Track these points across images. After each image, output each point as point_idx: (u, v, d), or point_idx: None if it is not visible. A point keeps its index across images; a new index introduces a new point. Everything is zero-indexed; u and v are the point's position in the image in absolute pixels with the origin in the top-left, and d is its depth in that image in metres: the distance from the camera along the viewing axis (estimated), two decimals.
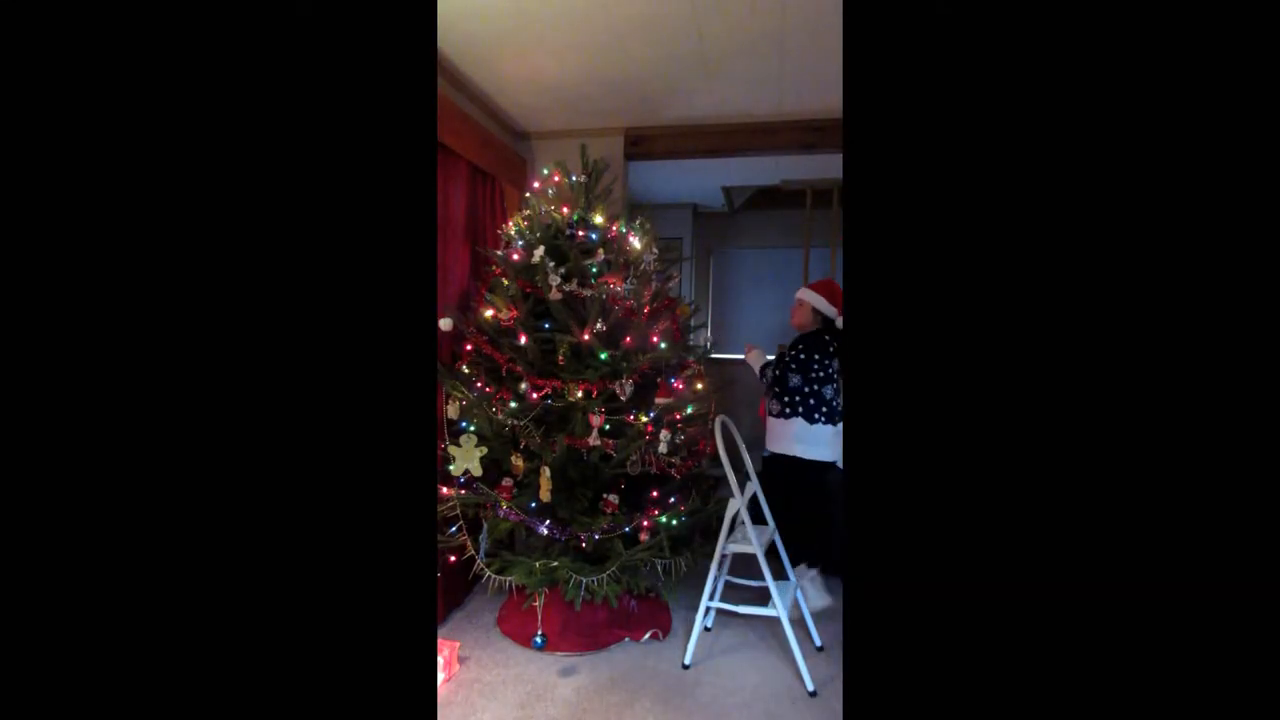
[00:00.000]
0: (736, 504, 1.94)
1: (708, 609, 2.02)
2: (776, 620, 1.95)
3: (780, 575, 2.10)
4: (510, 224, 2.25)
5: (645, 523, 1.97)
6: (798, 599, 2.13)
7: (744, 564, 2.28)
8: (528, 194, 2.34)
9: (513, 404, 2.01)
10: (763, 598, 2.02)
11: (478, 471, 1.94)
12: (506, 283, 2.11)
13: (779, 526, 2.15)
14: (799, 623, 2.14)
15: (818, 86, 2.47)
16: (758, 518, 2.08)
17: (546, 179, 2.31)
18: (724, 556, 2.01)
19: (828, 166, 3.30)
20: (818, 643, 2.09)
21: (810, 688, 1.83)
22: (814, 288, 2.40)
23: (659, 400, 2.08)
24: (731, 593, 2.17)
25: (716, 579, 2.02)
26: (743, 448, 2.12)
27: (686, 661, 1.97)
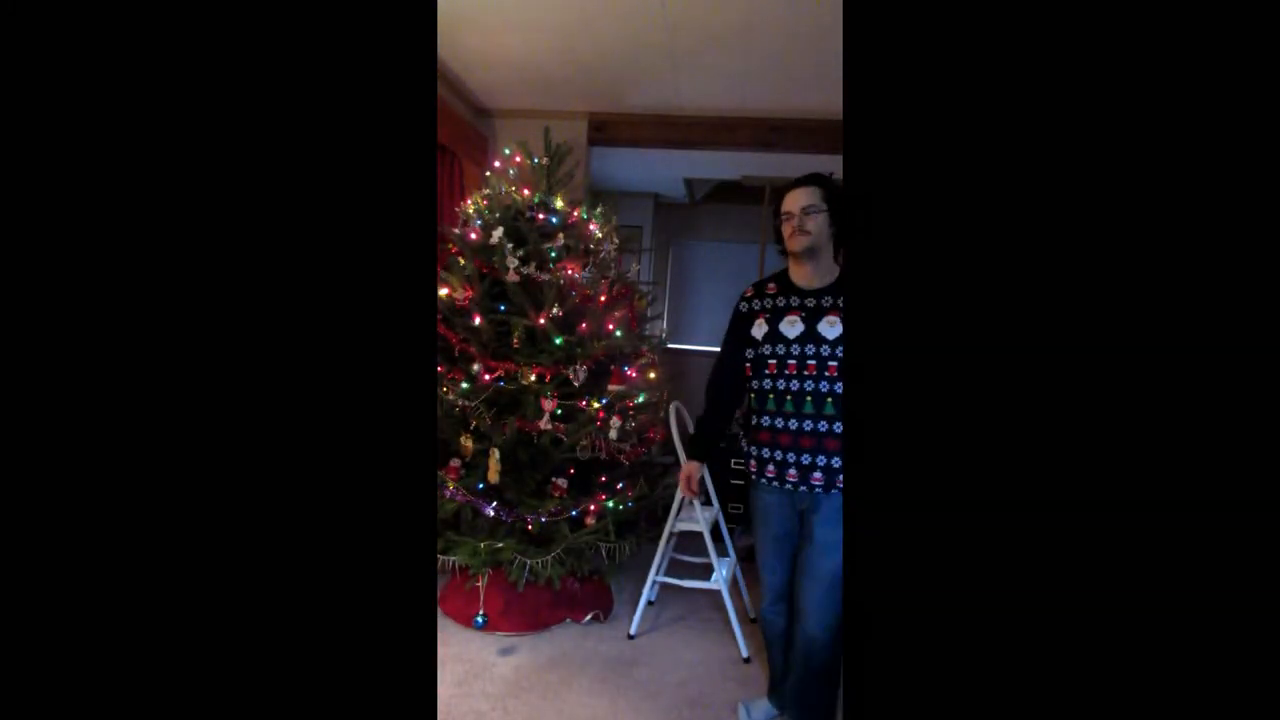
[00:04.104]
0: None
1: (653, 582, 2.09)
2: (716, 593, 2.04)
3: (723, 552, 2.18)
4: (469, 202, 2.21)
5: (592, 507, 2.00)
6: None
7: (691, 544, 2.35)
8: (488, 173, 2.30)
9: (464, 385, 2.00)
10: (705, 573, 2.11)
11: None
12: (463, 262, 2.09)
13: None
14: (737, 594, 2.24)
15: (779, 86, 2.52)
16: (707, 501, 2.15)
17: (508, 159, 2.28)
18: (672, 534, 2.08)
19: (787, 166, 3.37)
20: (751, 614, 2.21)
21: (745, 654, 1.93)
22: None
23: (612, 387, 2.10)
24: (677, 569, 2.24)
25: (664, 555, 2.09)
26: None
27: (631, 631, 2.06)
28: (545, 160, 2.21)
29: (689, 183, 4.07)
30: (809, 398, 1.33)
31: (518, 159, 2.26)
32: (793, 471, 1.36)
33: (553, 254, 2.04)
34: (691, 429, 2.16)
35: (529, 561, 1.91)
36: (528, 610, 2.08)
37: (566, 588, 2.14)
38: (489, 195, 2.18)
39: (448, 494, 1.97)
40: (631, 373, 2.18)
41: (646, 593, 2.11)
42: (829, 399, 1.32)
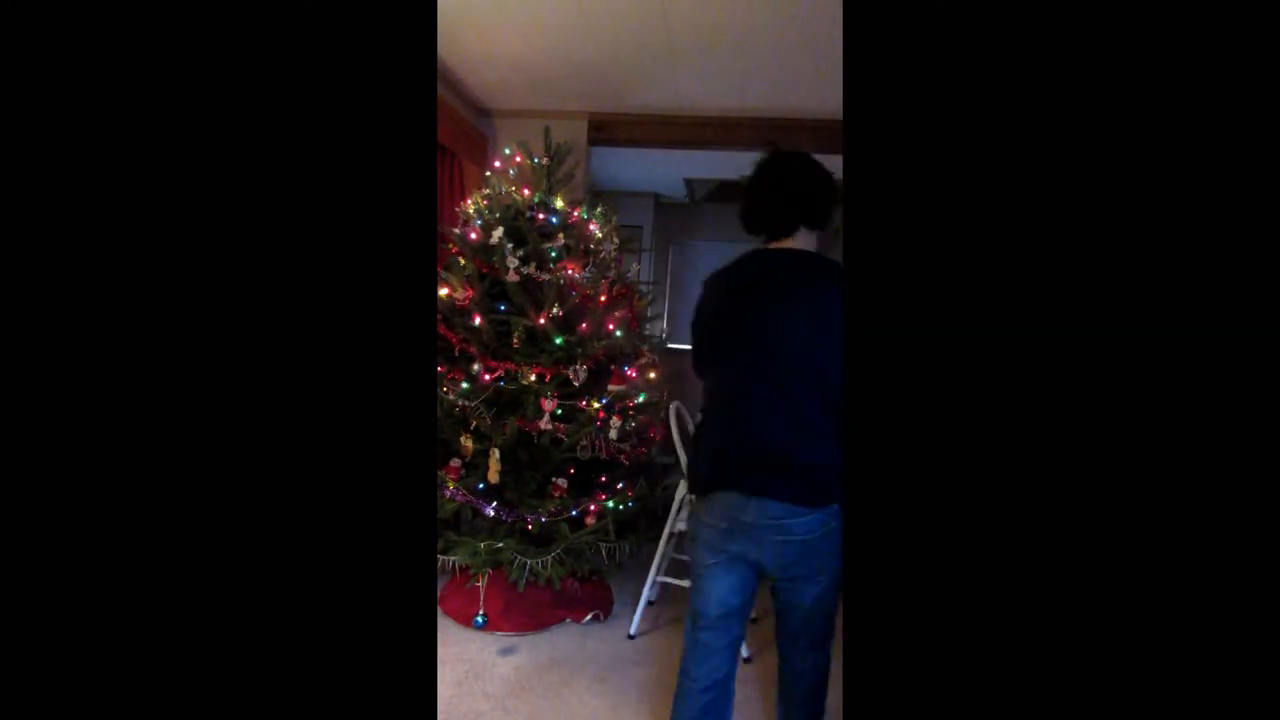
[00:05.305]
0: (686, 485, 2.00)
1: (653, 582, 2.09)
2: None
3: None
4: (469, 202, 2.21)
5: (592, 507, 2.00)
6: None
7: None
8: (488, 173, 2.30)
9: (464, 385, 2.00)
10: None
11: None
12: (463, 262, 2.09)
13: None
14: None
15: (780, 86, 2.52)
16: None
17: (508, 159, 2.28)
18: (672, 534, 2.08)
19: None
20: (752, 614, 2.21)
21: (745, 654, 1.93)
22: None
23: (612, 387, 2.10)
24: (677, 569, 2.24)
25: (664, 555, 2.09)
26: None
27: (631, 631, 2.06)
28: (545, 160, 2.21)
29: (689, 183, 4.07)
30: None
31: (518, 159, 2.26)
32: None
33: (553, 254, 2.04)
34: (691, 429, 2.16)
35: (529, 561, 1.91)
36: (528, 610, 2.08)
37: (566, 588, 2.14)
38: (489, 195, 2.19)
39: (448, 494, 1.97)
40: (631, 373, 2.18)
41: (646, 593, 2.11)
42: None
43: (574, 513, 1.98)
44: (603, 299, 2.12)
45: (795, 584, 1.13)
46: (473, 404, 1.97)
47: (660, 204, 4.39)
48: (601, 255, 2.18)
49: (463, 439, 1.99)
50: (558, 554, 1.93)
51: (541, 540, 2.01)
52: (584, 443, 1.97)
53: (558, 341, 2.00)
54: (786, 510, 1.06)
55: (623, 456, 2.08)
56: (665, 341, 3.94)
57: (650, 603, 2.20)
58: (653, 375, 2.22)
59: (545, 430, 1.95)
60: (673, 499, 2.09)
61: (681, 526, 2.06)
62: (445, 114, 2.47)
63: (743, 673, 1.88)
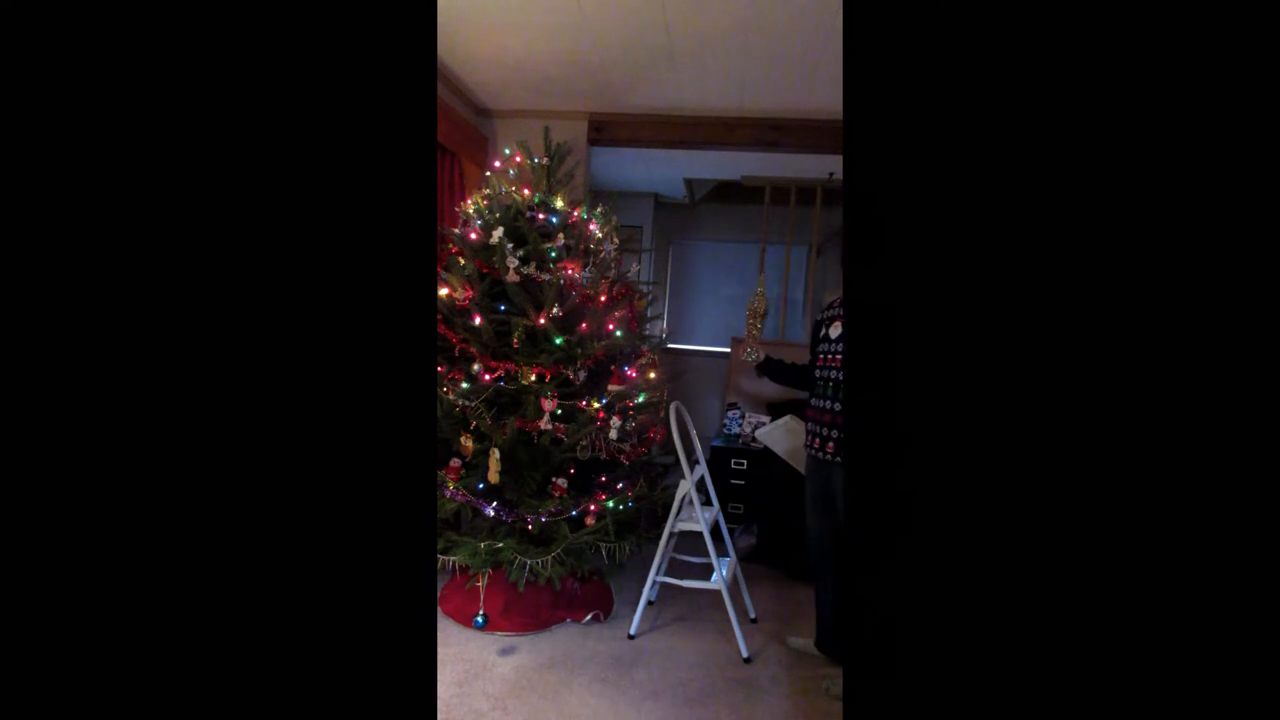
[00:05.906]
0: (686, 485, 2.00)
1: (653, 582, 2.09)
2: (716, 593, 2.04)
3: (723, 552, 2.19)
4: (469, 202, 2.21)
5: (592, 507, 2.00)
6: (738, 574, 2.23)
7: (691, 544, 2.35)
8: (488, 173, 2.30)
9: (464, 385, 2.00)
10: (705, 573, 2.11)
11: None
12: (463, 262, 2.09)
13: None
14: (737, 594, 2.24)
15: (779, 86, 2.52)
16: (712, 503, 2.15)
17: (508, 159, 2.28)
18: (672, 534, 2.08)
19: (787, 165, 3.37)
20: (752, 614, 2.22)
21: (745, 654, 1.93)
22: None
23: (612, 387, 2.10)
24: (677, 569, 2.24)
25: (664, 555, 2.10)
26: (694, 433, 2.18)
27: (631, 631, 2.06)
28: (545, 160, 2.21)
29: (689, 183, 4.06)
30: (831, 384, 1.82)
31: (518, 159, 2.26)
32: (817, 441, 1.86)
33: (553, 254, 2.04)
34: (692, 429, 2.16)
35: (529, 561, 1.91)
36: (528, 610, 2.08)
37: (566, 588, 2.14)
38: (489, 195, 2.18)
39: (448, 494, 1.97)
40: (631, 373, 2.17)
41: (646, 593, 2.11)
42: (833, 384, 1.82)
43: (574, 513, 1.98)
44: (603, 299, 2.12)
45: None
46: (473, 404, 1.97)
47: (660, 204, 4.38)
48: (601, 255, 2.18)
49: (463, 439, 1.98)
50: (558, 554, 1.93)
51: (541, 540, 2.01)
52: (584, 443, 1.97)
53: (558, 341, 2.00)
54: None
55: (623, 456, 2.08)
56: (665, 341, 3.94)
57: (650, 603, 2.20)
58: (653, 375, 2.22)
59: (545, 430, 1.95)
60: (673, 499, 2.09)
61: (682, 527, 2.06)
62: (445, 114, 2.47)
63: (743, 673, 1.88)
